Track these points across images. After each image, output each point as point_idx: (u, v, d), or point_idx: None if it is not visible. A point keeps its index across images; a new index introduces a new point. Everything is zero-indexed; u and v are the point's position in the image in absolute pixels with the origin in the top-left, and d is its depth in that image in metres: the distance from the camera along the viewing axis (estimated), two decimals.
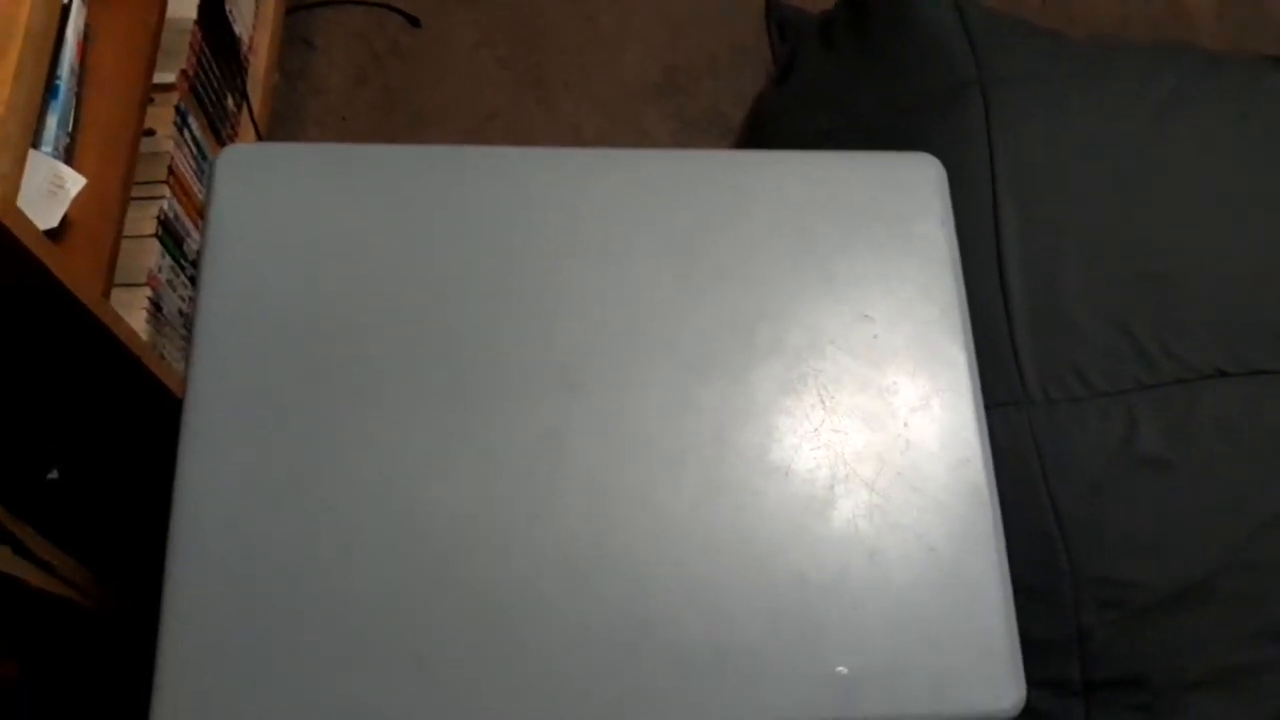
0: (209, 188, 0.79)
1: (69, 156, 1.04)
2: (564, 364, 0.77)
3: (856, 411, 0.78)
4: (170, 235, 1.23)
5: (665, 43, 1.82)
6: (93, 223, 1.03)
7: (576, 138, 1.74)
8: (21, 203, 0.85)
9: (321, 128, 1.70)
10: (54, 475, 1.14)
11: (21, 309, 0.92)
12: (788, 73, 1.68)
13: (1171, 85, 1.30)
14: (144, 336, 1.14)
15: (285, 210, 0.79)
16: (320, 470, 0.73)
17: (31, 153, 0.92)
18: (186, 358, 0.76)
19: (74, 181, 0.98)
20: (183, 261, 1.28)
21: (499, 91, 1.76)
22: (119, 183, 1.07)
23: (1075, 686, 1.13)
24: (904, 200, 0.85)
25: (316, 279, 0.78)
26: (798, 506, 0.74)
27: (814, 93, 1.57)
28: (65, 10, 1.02)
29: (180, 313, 1.27)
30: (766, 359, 0.79)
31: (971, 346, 0.81)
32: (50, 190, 0.96)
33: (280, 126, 1.68)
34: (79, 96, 1.08)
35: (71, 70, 1.04)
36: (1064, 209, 1.24)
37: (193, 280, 1.32)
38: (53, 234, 0.98)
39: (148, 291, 1.17)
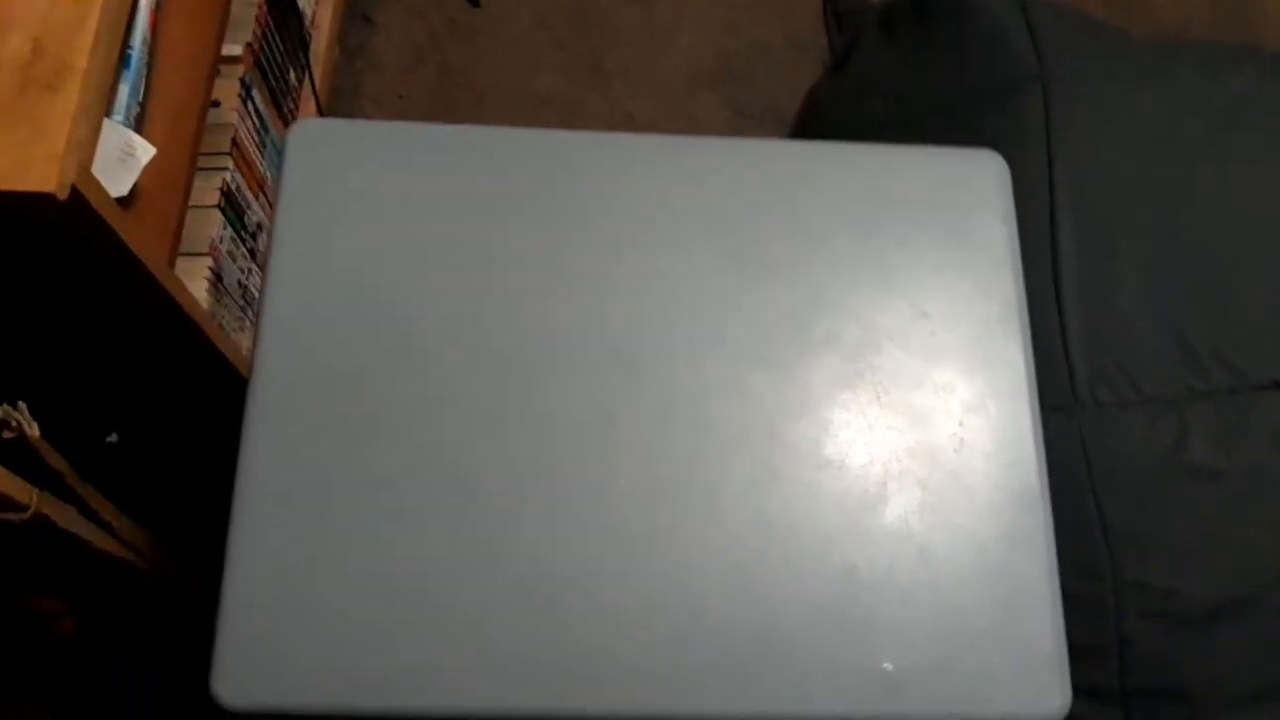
0: (282, 160, 0.81)
1: (139, 125, 1.06)
2: (620, 346, 0.78)
3: (911, 409, 0.78)
4: (232, 206, 1.25)
5: (721, 32, 1.81)
6: (160, 192, 1.05)
7: (629, 123, 1.74)
8: (95, 170, 0.87)
9: (378, 105, 1.71)
10: (113, 439, 1.16)
11: (89, 274, 0.95)
12: (845, 63, 1.67)
13: (1238, 88, 1.28)
14: (204, 305, 1.16)
15: (354, 184, 0.81)
16: (380, 442, 0.74)
17: (105, 121, 0.93)
18: (256, 324, 0.78)
19: (144, 150, 1.00)
20: (243, 233, 1.30)
21: (554, 74, 1.76)
22: (186, 153, 1.09)
23: (1113, 694, 1.12)
24: (966, 196, 0.85)
25: (381, 253, 0.79)
26: (850, 500, 0.75)
27: (871, 83, 1.56)
28: None
29: (239, 283, 1.29)
30: (822, 351, 0.79)
31: (1030, 348, 0.80)
32: (121, 158, 0.98)
33: (338, 102, 1.70)
34: (149, 67, 1.09)
35: (143, 40, 1.06)
36: (1122, 210, 1.23)
37: (252, 252, 1.34)
38: (122, 202, 1.00)
39: (209, 261, 1.19)
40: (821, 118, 1.67)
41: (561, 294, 0.79)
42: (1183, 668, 1.12)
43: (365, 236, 0.80)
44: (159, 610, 1.14)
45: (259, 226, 1.36)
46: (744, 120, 1.75)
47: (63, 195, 0.80)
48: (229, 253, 1.26)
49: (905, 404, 0.78)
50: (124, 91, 1.03)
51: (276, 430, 0.75)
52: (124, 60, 1.03)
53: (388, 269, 0.79)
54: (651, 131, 1.73)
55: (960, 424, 0.77)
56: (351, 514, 0.73)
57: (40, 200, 0.80)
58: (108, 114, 0.99)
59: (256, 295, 1.36)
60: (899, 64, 1.53)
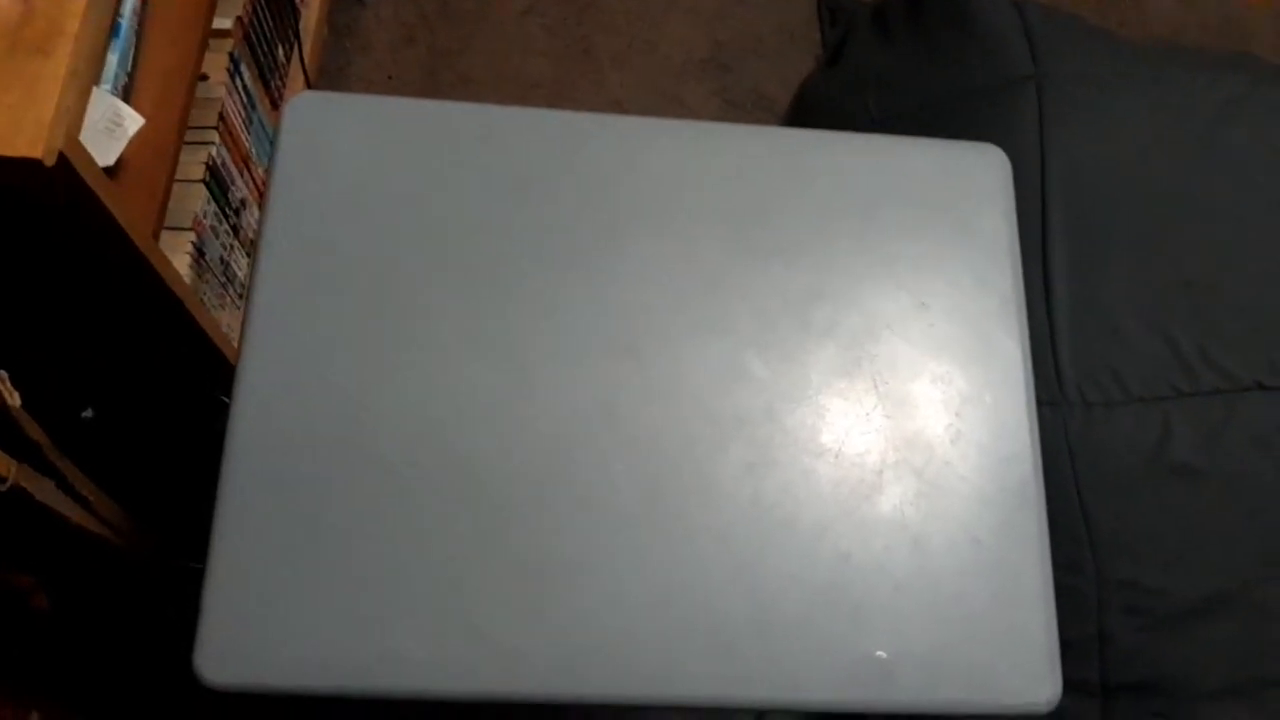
0: (277, 133, 0.79)
1: (127, 96, 1.04)
2: (619, 328, 0.77)
3: (909, 399, 0.77)
4: (217, 182, 1.23)
5: (714, 21, 1.81)
6: (147, 164, 1.03)
7: (618, 110, 1.73)
8: (82, 138, 0.85)
9: (367, 85, 1.70)
10: (88, 414, 1.14)
11: (72, 244, 0.93)
12: (837, 57, 1.67)
13: (1229, 93, 1.29)
14: (186, 281, 1.14)
15: (351, 161, 0.79)
16: (372, 423, 0.73)
17: (93, 89, 0.91)
18: (246, 301, 0.76)
19: (132, 120, 0.98)
20: (226, 209, 1.28)
21: (545, 60, 1.75)
22: (174, 125, 1.07)
23: (1094, 689, 1.13)
24: (967, 189, 0.84)
25: (377, 230, 0.78)
26: (846, 489, 0.74)
27: (864, 79, 1.56)
28: None
29: (221, 260, 1.27)
30: (822, 340, 0.79)
31: (1027, 341, 0.80)
32: (108, 128, 0.96)
33: (327, 81, 1.68)
34: (139, 36, 1.07)
35: (134, 10, 1.04)
36: (1113, 211, 1.23)
37: (234, 229, 1.32)
38: (108, 172, 0.98)
39: (192, 236, 1.17)
40: (812, 111, 1.67)
41: (561, 276, 0.78)
42: (1163, 662, 1.13)
43: (361, 214, 0.78)
44: (137, 587, 1.12)
45: (242, 203, 1.34)
46: (734, 110, 1.74)
47: (50, 161, 0.79)
48: (212, 228, 1.24)
49: (903, 394, 0.77)
50: (113, 61, 1.01)
51: (265, 409, 0.73)
52: (113, 29, 1.01)
53: (383, 248, 0.78)
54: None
55: (957, 415, 0.77)
56: (341, 494, 0.72)
57: (27, 166, 0.78)
58: (96, 82, 0.97)
59: (238, 272, 1.34)
60: (892, 61, 1.53)
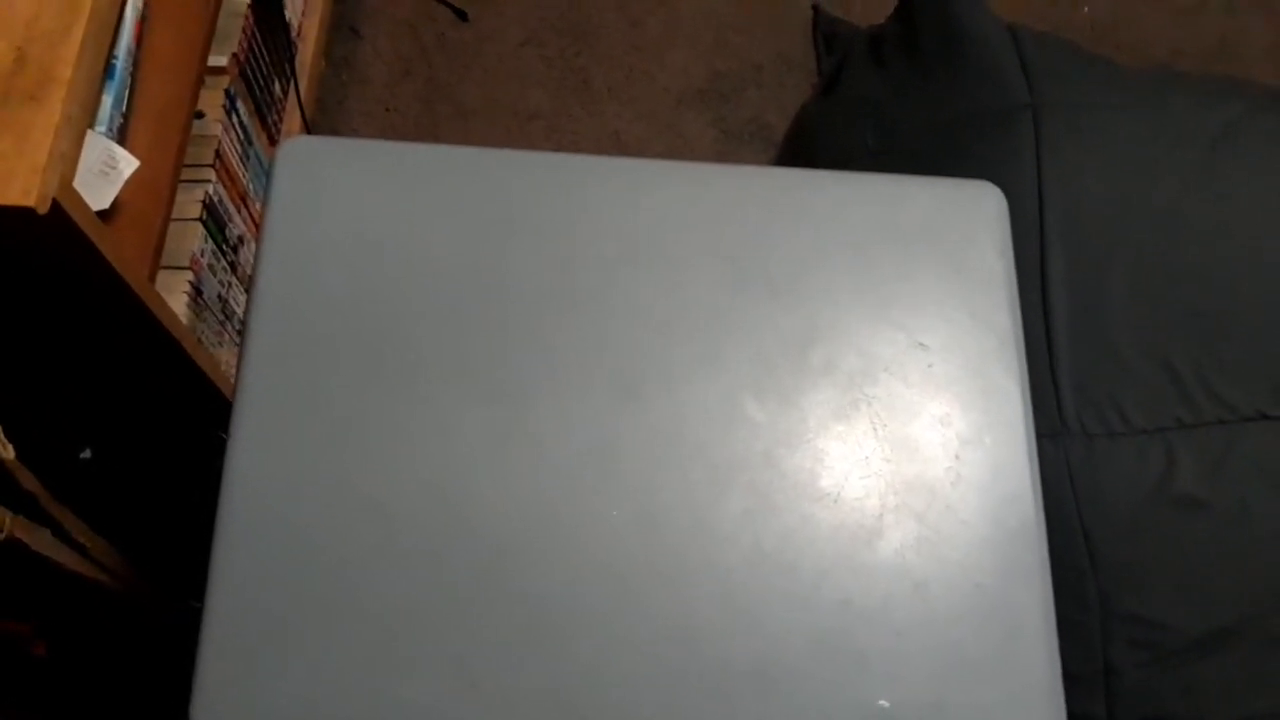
0: (270, 178, 0.79)
1: (122, 137, 1.04)
2: (616, 372, 0.77)
3: (908, 441, 0.77)
4: (214, 220, 1.23)
5: (712, 51, 1.81)
6: (142, 205, 1.03)
7: (617, 142, 1.74)
8: (76, 183, 0.85)
9: (365, 118, 1.70)
10: (86, 455, 1.14)
11: (67, 288, 0.92)
12: (833, 85, 1.67)
13: (1228, 119, 1.28)
14: (184, 320, 1.14)
15: (344, 205, 0.79)
16: (369, 469, 0.73)
17: (88, 132, 0.91)
18: (241, 344, 0.76)
19: (127, 163, 0.98)
20: (224, 246, 1.27)
21: (543, 91, 1.75)
22: (169, 166, 1.07)
23: None
24: (964, 228, 0.84)
25: (372, 275, 0.78)
26: (846, 534, 0.74)
27: (860, 107, 1.56)
28: None
29: (219, 297, 1.27)
30: (819, 382, 0.78)
31: (1026, 380, 0.80)
32: (103, 170, 0.96)
33: (324, 115, 1.68)
34: (133, 77, 1.07)
35: (128, 51, 1.04)
36: (1112, 239, 1.23)
37: (232, 265, 1.31)
38: (103, 215, 0.98)
39: (189, 275, 1.17)
40: (810, 140, 1.67)
41: (557, 319, 0.78)
42: (1168, 698, 1.12)
43: (355, 257, 0.78)
44: (136, 631, 1.12)
45: (240, 240, 1.33)
46: (732, 140, 1.74)
47: (43, 209, 0.78)
48: (209, 266, 1.24)
49: (902, 436, 0.77)
50: (107, 102, 1.01)
51: (261, 455, 0.73)
52: (108, 70, 1.01)
53: (378, 290, 0.77)
54: (639, 150, 1.72)
55: (957, 457, 0.77)
56: (337, 543, 0.71)
57: (20, 214, 0.78)
58: (90, 125, 0.97)
59: (236, 309, 1.34)
60: (888, 88, 1.53)
